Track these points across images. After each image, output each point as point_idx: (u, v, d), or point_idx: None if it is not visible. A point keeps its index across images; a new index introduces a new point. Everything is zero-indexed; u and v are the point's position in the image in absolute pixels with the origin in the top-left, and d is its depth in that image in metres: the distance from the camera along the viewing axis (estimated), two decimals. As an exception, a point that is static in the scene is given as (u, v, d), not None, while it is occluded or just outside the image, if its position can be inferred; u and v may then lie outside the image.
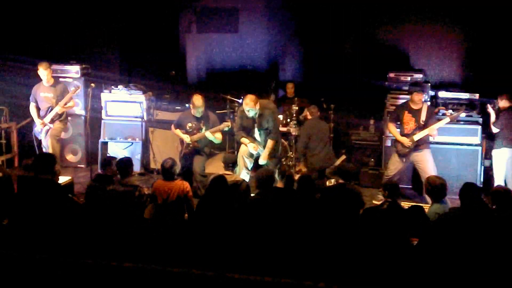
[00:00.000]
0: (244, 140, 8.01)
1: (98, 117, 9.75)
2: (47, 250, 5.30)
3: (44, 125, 8.54)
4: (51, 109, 8.55)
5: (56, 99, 8.57)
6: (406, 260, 5.11)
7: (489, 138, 8.42)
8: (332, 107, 9.95)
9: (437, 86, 9.48)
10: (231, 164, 7.24)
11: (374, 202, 7.92)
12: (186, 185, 6.61)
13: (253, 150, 7.94)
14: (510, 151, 7.93)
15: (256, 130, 7.97)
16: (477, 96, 8.79)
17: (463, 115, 8.50)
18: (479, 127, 8.55)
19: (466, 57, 10.03)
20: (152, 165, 9.57)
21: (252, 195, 6.75)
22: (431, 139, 7.99)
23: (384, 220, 5.64)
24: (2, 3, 10.05)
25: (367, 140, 9.63)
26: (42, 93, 8.66)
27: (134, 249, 5.37)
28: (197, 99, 8.12)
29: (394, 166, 8.01)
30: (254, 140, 8.01)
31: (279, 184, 7.52)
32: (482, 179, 8.57)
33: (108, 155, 8.92)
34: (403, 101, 8.41)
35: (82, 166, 9.98)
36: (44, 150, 8.54)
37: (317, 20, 10.59)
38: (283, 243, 5.39)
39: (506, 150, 7.94)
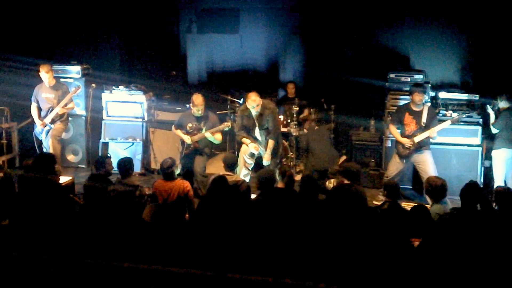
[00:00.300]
0: (245, 140, 8.03)
1: (99, 118, 9.76)
2: (48, 251, 5.30)
3: (45, 125, 8.55)
4: (52, 110, 8.57)
5: (58, 100, 8.58)
6: (406, 260, 5.11)
7: (489, 138, 8.42)
8: (333, 107, 9.97)
9: (437, 87, 9.48)
10: (232, 165, 7.25)
11: (375, 202, 7.93)
12: (186, 184, 6.63)
13: (254, 150, 7.96)
14: (510, 152, 7.93)
15: (256, 129, 7.99)
16: (477, 96, 8.80)
17: (463, 115, 8.51)
18: (479, 128, 8.55)
19: (466, 58, 10.04)
20: (153, 166, 9.59)
21: (253, 196, 6.76)
22: (431, 140, 7.99)
23: (385, 221, 5.65)
24: (3, 4, 10.06)
25: (367, 141, 9.64)
26: (44, 94, 8.67)
27: (134, 249, 5.37)
28: (197, 98, 8.13)
29: (395, 167, 8.01)
30: (255, 140, 8.03)
31: (280, 184, 7.53)
32: (482, 180, 8.58)
33: (99, 155, 8.91)
34: (404, 101, 8.43)
35: (83, 166, 9.98)
36: (44, 150, 8.54)
37: (317, 21, 10.60)
38: (284, 243, 5.39)
39: (506, 150, 7.94)
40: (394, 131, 8.10)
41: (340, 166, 8.12)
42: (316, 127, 8.95)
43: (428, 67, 9.71)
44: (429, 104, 8.71)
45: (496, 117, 8.03)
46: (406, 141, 7.83)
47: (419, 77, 9.09)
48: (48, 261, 5.09)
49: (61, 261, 5.08)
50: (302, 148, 8.91)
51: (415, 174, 8.40)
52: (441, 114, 8.44)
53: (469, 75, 9.98)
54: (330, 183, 8.19)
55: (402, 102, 8.76)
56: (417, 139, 7.77)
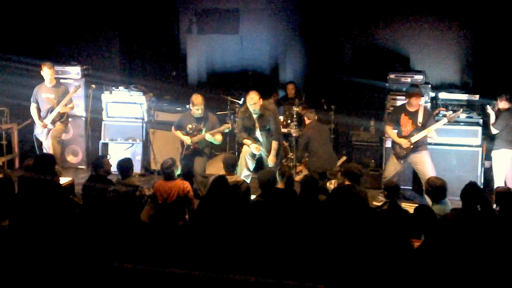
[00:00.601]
0: (246, 141, 8.03)
1: (99, 118, 9.75)
2: (48, 251, 5.30)
3: (45, 126, 8.55)
4: (52, 110, 8.56)
5: (58, 100, 8.58)
6: (406, 261, 5.11)
7: (489, 139, 8.42)
8: (333, 108, 9.97)
9: (437, 87, 9.48)
10: (232, 165, 7.25)
11: (375, 203, 7.93)
12: (186, 185, 6.64)
13: (256, 151, 7.96)
14: (510, 152, 7.93)
15: (257, 131, 7.99)
16: (477, 97, 8.80)
17: (463, 116, 8.51)
18: (479, 128, 8.55)
19: (466, 59, 10.04)
20: (153, 166, 9.58)
21: (253, 196, 6.76)
22: (430, 141, 7.99)
23: (384, 221, 5.65)
24: (3, 4, 10.07)
25: (367, 141, 9.63)
26: (44, 94, 8.67)
27: (134, 250, 5.37)
28: (197, 98, 8.13)
29: (392, 167, 8.01)
30: (255, 140, 8.03)
31: (280, 184, 7.53)
32: (482, 180, 8.58)
33: (99, 155, 8.92)
34: (404, 102, 8.41)
35: (83, 167, 9.98)
36: (44, 151, 8.54)
37: (317, 21, 10.60)
38: (284, 244, 5.39)
39: (506, 151, 7.94)
40: (390, 132, 8.11)
41: (341, 167, 8.12)
42: (316, 126, 8.93)
43: (428, 68, 9.71)
44: (428, 104, 8.72)
45: (496, 118, 8.03)
46: (403, 142, 7.83)
47: (419, 77, 9.09)
48: (47, 261, 5.09)
49: (61, 262, 5.08)
50: (302, 146, 8.90)
51: (415, 174, 8.40)
52: (441, 115, 8.43)
53: (469, 75, 9.99)
54: (331, 184, 8.19)
55: (401, 103, 8.75)
56: (414, 139, 7.76)
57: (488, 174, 8.53)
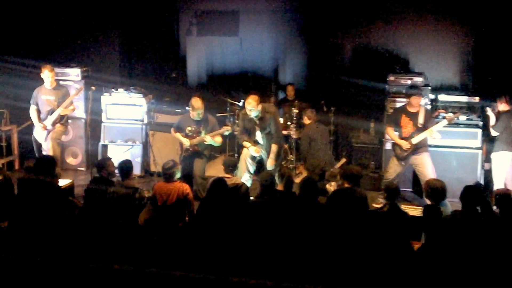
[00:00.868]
0: (246, 143, 8.02)
1: (99, 120, 9.75)
2: (47, 253, 5.30)
3: (45, 128, 8.54)
4: (52, 112, 8.55)
5: (58, 102, 8.57)
6: (406, 263, 5.11)
7: (489, 141, 8.42)
8: (333, 109, 9.96)
9: (437, 89, 9.47)
10: (231, 167, 7.25)
11: (374, 205, 7.92)
12: (186, 187, 6.64)
13: (255, 153, 7.95)
14: (509, 154, 7.92)
15: (258, 133, 7.98)
16: (477, 99, 8.79)
17: (463, 118, 8.51)
18: (479, 130, 8.55)
19: (466, 60, 10.03)
20: (153, 168, 9.58)
21: (251, 198, 6.76)
22: (434, 141, 7.99)
23: (384, 223, 5.65)
24: (3, 6, 10.07)
25: (367, 143, 9.63)
26: (44, 96, 8.65)
27: (134, 252, 5.37)
28: (196, 102, 8.12)
29: (393, 169, 8.01)
30: (256, 143, 8.02)
31: (279, 186, 7.52)
32: (482, 182, 8.57)
33: (102, 157, 8.92)
34: (404, 103, 8.40)
35: (82, 169, 9.97)
36: (44, 153, 8.54)
37: (317, 23, 10.59)
38: (284, 246, 5.38)
39: (506, 153, 7.93)
40: (391, 133, 8.10)
41: (341, 169, 8.11)
42: (316, 127, 8.92)
43: (428, 70, 9.70)
44: (428, 106, 8.71)
45: (496, 120, 8.02)
46: (403, 143, 7.83)
47: (418, 79, 9.08)
48: (46, 263, 5.09)
49: (60, 264, 5.08)
50: (305, 146, 8.88)
51: (415, 176, 8.39)
52: (440, 117, 8.43)
53: (469, 77, 9.97)
54: (331, 186, 8.17)
55: (402, 104, 8.73)
56: (415, 140, 7.76)
57: (488, 176, 8.52)
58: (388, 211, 5.95)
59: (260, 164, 8.18)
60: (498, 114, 8.04)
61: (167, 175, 6.65)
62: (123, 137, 9.72)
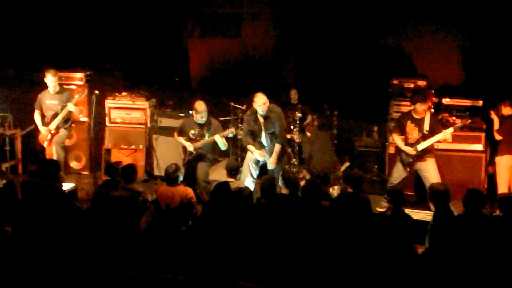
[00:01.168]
0: (250, 147, 8.00)
1: (102, 124, 9.76)
2: (51, 257, 5.30)
3: (50, 132, 8.57)
4: (56, 116, 8.58)
5: (61, 106, 8.60)
6: (410, 267, 5.09)
7: (493, 145, 8.40)
8: (336, 113, 9.95)
9: (440, 93, 9.45)
10: (235, 171, 7.25)
11: (378, 209, 7.90)
12: (189, 190, 6.65)
13: (260, 157, 7.93)
14: (514, 158, 7.92)
15: (263, 134, 7.96)
16: (480, 102, 8.78)
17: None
18: (483, 134, 8.53)
19: (470, 64, 10.01)
20: (156, 172, 9.59)
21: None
22: (438, 145, 7.97)
23: (388, 227, 5.64)
24: (7, 10, 10.09)
25: (370, 147, 9.62)
26: (48, 101, 8.68)
27: (137, 256, 5.37)
28: (200, 105, 8.14)
29: (398, 174, 7.96)
30: (261, 146, 7.99)
31: (284, 190, 7.52)
32: (486, 186, 8.55)
33: (109, 161, 8.93)
34: (407, 107, 8.39)
35: (86, 173, 9.96)
36: (48, 157, 8.56)
37: (320, 26, 10.59)
38: (287, 250, 5.38)
39: (510, 157, 7.91)
40: (397, 140, 8.05)
41: (344, 173, 8.10)
42: (319, 132, 8.93)
43: (432, 73, 9.69)
44: (432, 110, 8.70)
45: (500, 124, 8.01)
46: (409, 150, 7.78)
47: (422, 82, 9.07)
48: (50, 267, 5.09)
49: (63, 267, 5.08)
50: (305, 153, 8.89)
51: (418, 180, 8.36)
52: (445, 120, 8.43)
53: (472, 80, 9.94)
54: (334, 190, 8.17)
55: (405, 108, 8.72)
56: (421, 147, 7.71)
57: (491, 179, 8.50)
58: (392, 214, 5.94)
59: (264, 168, 8.17)
60: (502, 118, 8.03)
61: (170, 179, 6.66)
62: (127, 141, 9.73)
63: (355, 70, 10.52)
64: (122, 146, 9.67)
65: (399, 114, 8.56)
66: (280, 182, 6.86)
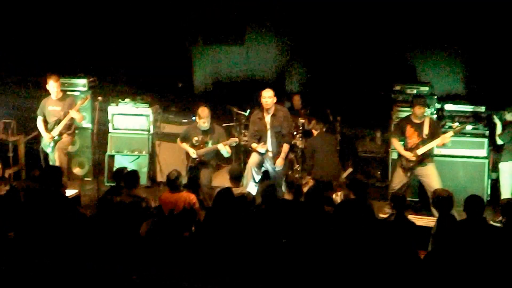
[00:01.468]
0: (254, 145, 8.00)
1: (105, 130, 9.77)
2: (54, 263, 5.30)
3: (52, 138, 8.59)
4: (59, 122, 8.61)
5: (64, 112, 8.62)
6: (414, 273, 5.08)
7: (496, 150, 8.39)
8: (339, 119, 9.94)
9: (443, 98, 9.45)
10: (238, 177, 7.25)
11: (381, 215, 7.89)
12: (192, 197, 6.65)
13: (262, 149, 7.88)
14: (517, 164, 7.91)
15: (268, 132, 7.95)
16: (483, 108, 8.77)
17: (469, 127, 8.48)
18: (486, 140, 8.52)
19: (472, 69, 9.99)
20: (159, 178, 9.59)
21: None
22: (440, 151, 7.96)
23: (392, 233, 5.63)
24: (10, 16, 10.13)
25: (373, 152, 9.61)
26: (51, 107, 8.71)
27: (140, 262, 5.36)
28: (203, 111, 8.15)
29: (399, 179, 7.95)
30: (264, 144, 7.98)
31: (287, 195, 7.50)
32: (489, 192, 8.54)
33: (117, 168, 8.95)
34: (409, 113, 8.39)
35: (89, 179, 9.97)
36: (51, 163, 8.57)
37: (323, 33, 10.60)
38: (290, 255, 5.37)
39: (514, 163, 7.92)
40: (397, 145, 8.06)
41: (347, 179, 8.09)
42: (323, 137, 8.91)
43: (434, 79, 9.69)
44: (434, 115, 8.70)
45: (503, 129, 8.00)
46: (409, 155, 7.78)
47: (424, 88, 9.07)
48: (53, 273, 5.09)
49: (67, 273, 5.08)
50: (308, 156, 8.87)
51: (421, 186, 8.35)
52: (447, 126, 8.42)
53: (475, 86, 9.93)
54: (337, 196, 8.16)
55: (407, 114, 8.72)
56: (420, 151, 7.71)
57: (494, 186, 8.48)
58: (395, 220, 5.93)
59: (266, 173, 8.17)
60: (505, 124, 8.03)
61: (172, 185, 6.66)
62: (130, 147, 9.74)
63: (358, 76, 10.51)
64: (125, 152, 9.68)
65: (398, 122, 8.56)
66: (283, 187, 6.86)
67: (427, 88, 9.08)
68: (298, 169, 9.42)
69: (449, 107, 8.92)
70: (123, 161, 9.47)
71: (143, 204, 6.41)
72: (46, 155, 8.79)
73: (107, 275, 5.04)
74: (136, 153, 9.68)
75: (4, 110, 9.83)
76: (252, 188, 7.94)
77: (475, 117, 8.72)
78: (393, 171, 8.52)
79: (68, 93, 9.45)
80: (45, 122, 8.77)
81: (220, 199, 6.13)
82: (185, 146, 8.31)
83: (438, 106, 9.09)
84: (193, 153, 8.18)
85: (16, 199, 6.79)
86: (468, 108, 8.86)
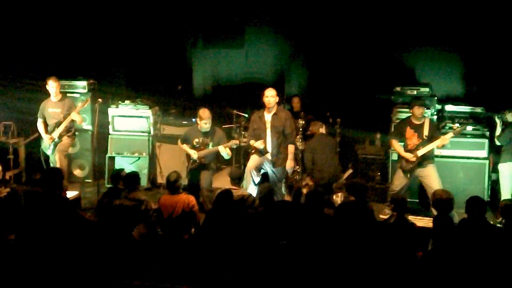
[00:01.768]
0: (252, 141, 7.99)
1: (105, 132, 9.78)
2: (54, 265, 5.30)
3: (52, 140, 8.59)
4: (59, 124, 8.61)
5: (64, 115, 8.63)
6: (412, 274, 5.09)
7: (496, 152, 8.40)
8: (338, 121, 9.95)
9: (443, 100, 9.46)
10: (238, 179, 7.25)
11: (381, 216, 7.89)
12: (191, 199, 6.64)
13: (260, 145, 7.86)
14: (517, 165, 7.91)
15: (268, 132, 7.93)
16: (483, 109, 8.78)
17: (469, 128, 8.49)
18: (486, 141, 8.53)
19: (472, 71, 10.00)
20: (159, 180, 9.59)
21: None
22: (440, 152, 7.95)
23: (392, 234, 5.63)
24: (9, 19, 10.13)
25: (373, 154, 9.59)
26: (50, 109, 8.72)
27: (140, 265, 5.36)
28: (204, 112, 8.16)
29: (399, 181, 7.96)
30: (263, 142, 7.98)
31: (287, 197, 7.52)
32: (489, 193, 8.54)
33: (115, 169, 8.95)
34: (409, 115, 8.40)
35: (89, 181, 9.97)
36: (51, 165, 8.58)
37: (323, 35, 10.61)
38: (290, 257, 5.37)
39: (513, 164, 7.92)
40: (396, 146, 8.07)
41: (346, 182, 8.09)
42: (321, 139, 8.91)
43: (434, 80, 9.70)
44: (434, 117, 8.70)
45: (503, 130, 8.01)
46: (408, 156, 7.78)
47: (424, 90, 9.09)
48: (53, 275, 5.09)
49: (67, 276, 5.08)
50: (308, 158, 8.86)
51: (421, 187, 8.35)
52: (447, 127, 8.42)
53: (475, 88, 9.94)
54: (337, 197, 8.17)
55: (407, 115, 8.73)
56: (420, 152, 7.71)
57: (494, 187, 8.49)
58: (395, 222, 5.94)
59: (265, 176, 8.17)
60: (505, 125, 8.03)
61: (171, 187, 6.66)
62: (130, 149, 9.75)
63: (357, 78, 10.52)
64: (126, 154, 9.69)
65: (397, 123, 8.57)
66: (283, 189, 6.87)
67: (427, 90, 9.10)
68: (298, 170, 9.41)
69: (449, 108, 8.94)
70: (123, 163, 9.48)
71: (143, 207, 6.41)
72: (46, 158, 8.79)
73: (106, 277, 5.04)
74: (136, 155, 9.69)
75: (4, 113, 9.83)
76: (252, 190, 7.93)
77: (475, 118, 8.73)
78: (393, 173, 8.52)
79: (68, 95, 9.45)
80: (45, 124, 8.78)
81: (219, 201, 6.13)
82: (186, 148, 8.31)
83: (438, 107, 9.11)
84: (194, 154, 8.18)
85: (17, 201, 6.79)
86: (468, 109, 8.86)
